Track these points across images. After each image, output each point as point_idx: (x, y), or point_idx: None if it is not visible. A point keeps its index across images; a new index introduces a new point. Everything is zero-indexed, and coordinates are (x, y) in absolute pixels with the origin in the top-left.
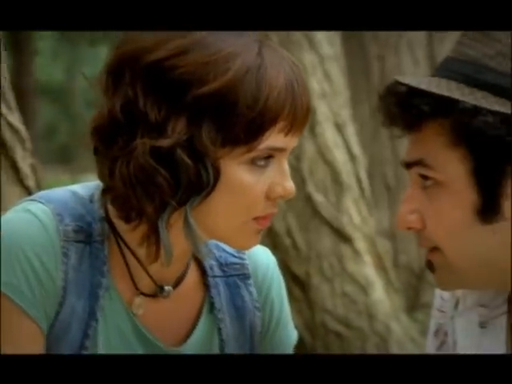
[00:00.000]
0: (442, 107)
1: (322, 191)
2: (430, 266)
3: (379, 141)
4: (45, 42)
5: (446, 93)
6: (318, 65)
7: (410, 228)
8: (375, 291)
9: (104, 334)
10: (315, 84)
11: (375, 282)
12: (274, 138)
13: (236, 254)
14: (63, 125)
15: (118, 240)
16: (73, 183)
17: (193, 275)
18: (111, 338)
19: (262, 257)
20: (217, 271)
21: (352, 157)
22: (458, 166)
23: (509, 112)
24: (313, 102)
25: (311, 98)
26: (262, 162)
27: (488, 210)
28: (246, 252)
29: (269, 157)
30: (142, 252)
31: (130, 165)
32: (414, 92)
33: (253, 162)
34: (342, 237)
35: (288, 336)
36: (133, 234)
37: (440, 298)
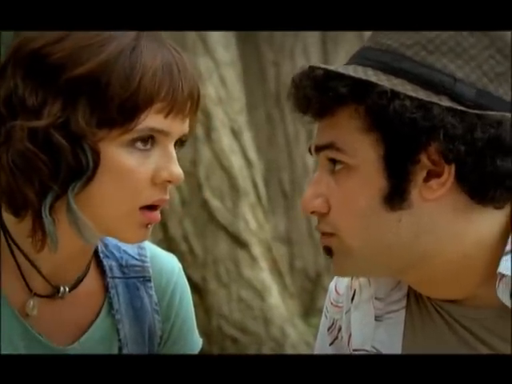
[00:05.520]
0: (359, 90)
1: (218, 197)
2: (328, 251)
3: (275, 146)
4: None
5: (363, 77)
6: (213, 70)
7: (313, 212)
8: (271, 296)
9: None
10: (211, 89)
11: (271, 287)
12: (152, 119)
13: (137, 257)
14: None
15: (9, 242)
16: None
17: (93, 276)
18: None
19: (167, 262)
20: (116, 272)
21: (248, 162)
22: (369, 150)
23: (424, 98)
24: (209, 108)
25: (200, 87)
26: (146, 146)
27: (395, 197)
28: (151, 256)
29: (151, 139)
30: (33, 251)
31: (9, 151)
32: (330, 76)
33: (134, 145)
34: (239, 242)
35: (192, 343)
36: (20, 227)
37: (335, 292)
